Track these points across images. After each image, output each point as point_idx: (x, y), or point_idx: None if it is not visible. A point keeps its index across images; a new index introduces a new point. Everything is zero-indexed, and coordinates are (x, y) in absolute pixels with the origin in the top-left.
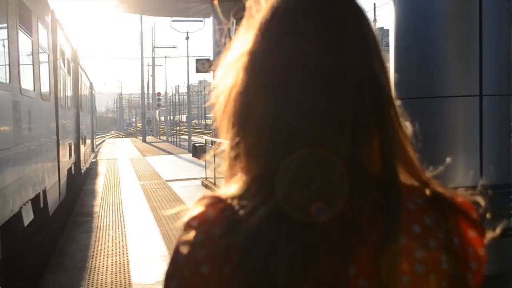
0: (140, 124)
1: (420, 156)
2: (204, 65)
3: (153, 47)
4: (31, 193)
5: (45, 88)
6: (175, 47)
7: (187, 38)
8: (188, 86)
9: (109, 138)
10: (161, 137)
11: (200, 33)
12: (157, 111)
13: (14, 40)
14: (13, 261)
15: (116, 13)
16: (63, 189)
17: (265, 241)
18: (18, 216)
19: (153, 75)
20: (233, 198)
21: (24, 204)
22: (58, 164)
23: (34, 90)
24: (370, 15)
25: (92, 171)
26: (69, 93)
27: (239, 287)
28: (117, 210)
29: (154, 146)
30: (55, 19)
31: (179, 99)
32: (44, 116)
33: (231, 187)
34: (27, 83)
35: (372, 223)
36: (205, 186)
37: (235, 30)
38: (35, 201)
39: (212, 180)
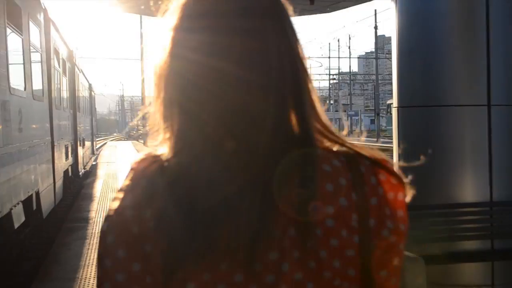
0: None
1: (425, 168)
2: None
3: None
4: (22, 195)
5: (37, 88)
6: None
7: None
8: None
9: (111, 140)
10: None
11: None
12: None
13: (2, 38)
14: (4, 265)
15: (114, 13)
16: (59, 192)
17: (183, 193)
18: (7, 217)
19: None
20: (163, 155)
21: (14, 206)
22: (53, 166)
23: (25, 89)
24: (371, 21)
25: (91, 174)
26: (65, 93)
27: (157, 229)
28: None
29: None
30: (48, 18)
31: None
32: (37, 117)
33: (164, 148)
34: (17, 82)
35: (289, 181)
36: None
37: None
38: (26, 203)
39: None
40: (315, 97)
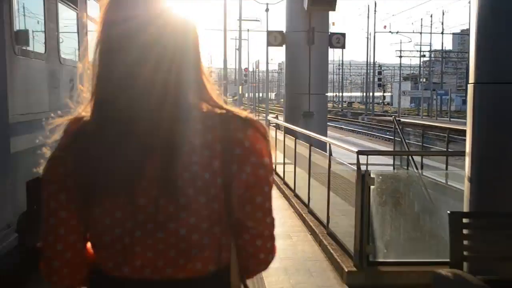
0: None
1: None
2: (276, 38)
3: (240, 19)
4: None
5: None
6: (258, 21)
7: (267, 10)
8: (267, 62)
9: None
10: None
11: (282, 5)
12: (240, 87)
13: (53, 12)
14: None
15: None
16: None
17: (92, 144)
18: None
19: (239, 49)
20: (85, 117)
21: None
22: None
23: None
24: None
25: None
26: None
27: (75, 169)
28: None
29: None
30: None
31: (258, 76)
32: None
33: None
34: (68, 53)
35: (163, 136)
36: None
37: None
38: None
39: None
40: (205, 75)
